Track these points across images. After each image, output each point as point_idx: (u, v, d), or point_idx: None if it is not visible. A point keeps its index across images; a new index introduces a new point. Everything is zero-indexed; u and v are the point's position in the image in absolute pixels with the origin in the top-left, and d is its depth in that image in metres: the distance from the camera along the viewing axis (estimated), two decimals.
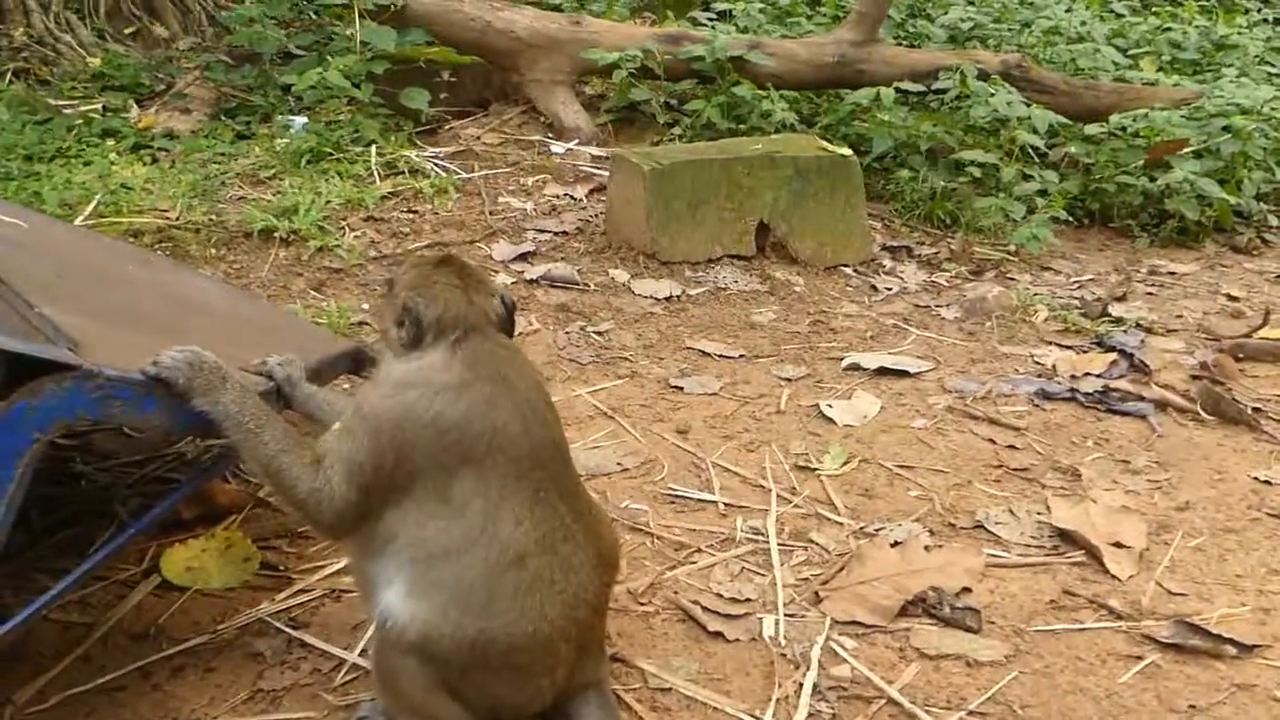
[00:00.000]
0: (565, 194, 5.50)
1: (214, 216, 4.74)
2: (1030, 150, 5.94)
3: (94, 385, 1.72)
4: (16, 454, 1.68)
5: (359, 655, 2.21)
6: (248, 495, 2.78)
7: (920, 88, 6.45)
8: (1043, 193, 5.80)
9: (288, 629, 2.30)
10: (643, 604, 2.46)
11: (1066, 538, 2.82)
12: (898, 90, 6.23)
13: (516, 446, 1.86)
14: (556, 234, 5.02)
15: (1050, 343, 4.31)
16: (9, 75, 6.40)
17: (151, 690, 2.11)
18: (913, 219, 5.75)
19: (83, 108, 6.13)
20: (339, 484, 1.83)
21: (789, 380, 3.82)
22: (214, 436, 1.92)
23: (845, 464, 3.18)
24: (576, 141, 6.22)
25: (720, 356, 4.01)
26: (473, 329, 1.95)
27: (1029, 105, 6.00)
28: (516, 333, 2.17)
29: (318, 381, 2.39)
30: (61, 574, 2.30)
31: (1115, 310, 4.66)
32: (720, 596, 2.49)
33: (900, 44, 7.55)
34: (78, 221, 4.37)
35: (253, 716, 2.05)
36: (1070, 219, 5.88)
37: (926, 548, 2.71)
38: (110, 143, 5.72)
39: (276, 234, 4.60)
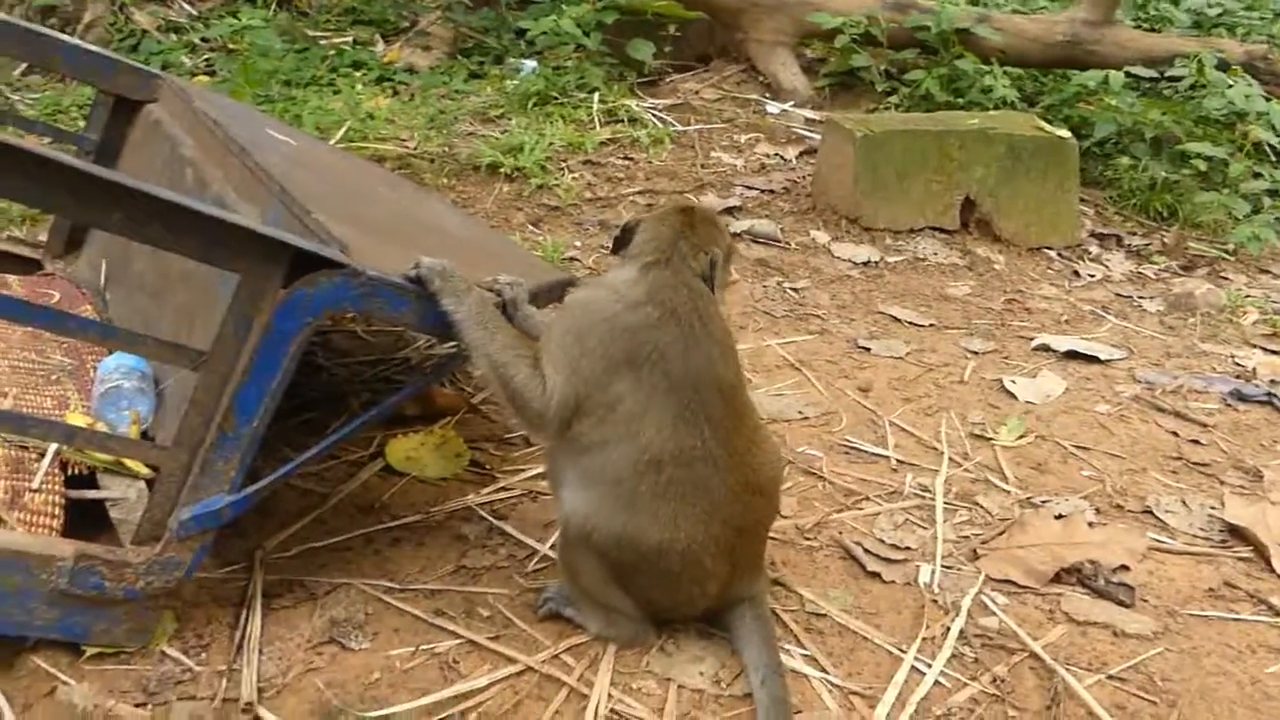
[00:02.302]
0: (776, 154, 5.66)
1: (447, 149, 5.13)
2: (1266, 147, 5.73)
3: (359, 282, 2.03)
4: (292, 333, 1.99)
5: (549, 548, 2.49)
6: (463, 400, 3.11)
7: (1153, 74, 6.29)
8: (1273, 193, 5.61)
9: (490, 518, 2.61)
10: (808, 539, 2.66)
11: (1236, 534, 2.85)
12: (1128, 74, 6.10)
13: (672, 367, 2.07)
14: (764, 191, 5.20)
15: (1255, 345, 4.25)
16: (274, 5, 6.98)
17: (373, 554, 2.45)
18: (1127, 208, 5.66)
19: (335, 39, 6.65)
20: (550, 374, 2.09)
21: (975, 353, 3.92)
22: (450, 338, 2.21)
23: (1021, 437, 3.28)
24: (792, 103, 6.36)
25: (910, 323, 4.13)
26: (667, 263, 2.18)
27: (1269, 100, 5.79)
28: None
29: (535, 304, 2.67)
30: (303, 449, 2.70)
31: None
32: (882, 542, 2.66)
33: (1139, 27, 7.33)
34: (330, 144, 4.81)
35: (456, 587, 2.36)
36: None
37: (1090, 524, 2.80)
38: (358, 74, 6.21)
39: (502, 169, 4.95)
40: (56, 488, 2.20)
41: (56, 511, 2.14)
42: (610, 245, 2.31)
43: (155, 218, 1.87)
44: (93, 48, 3.31)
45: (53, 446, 2.26)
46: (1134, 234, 5.43)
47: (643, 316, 2.11)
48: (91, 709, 1.91)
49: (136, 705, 1.93)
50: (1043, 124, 5.30)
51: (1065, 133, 5.24)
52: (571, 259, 4.26)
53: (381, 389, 3.17)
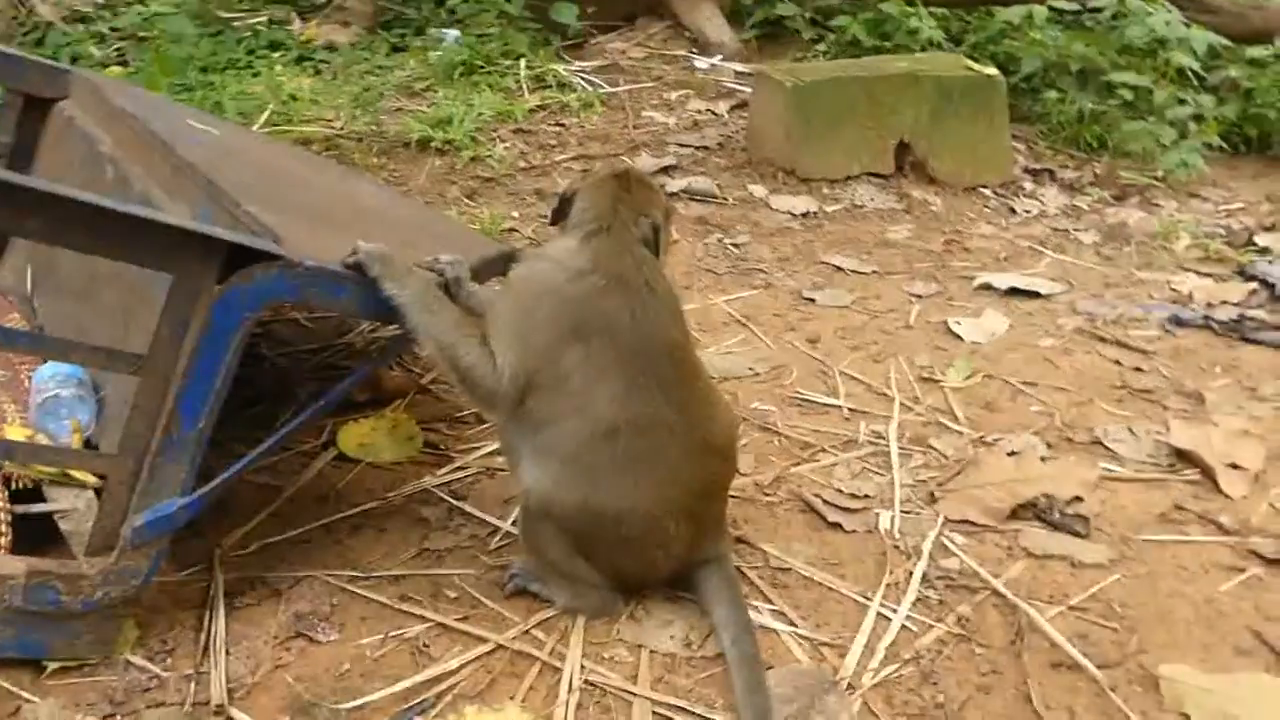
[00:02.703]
0: (707, 109, 5.66)
1: (374, 126, 5.06)
2: (1188, 73, 5.82)
3: (295, 273, 1.99)
4: (231, 330, 1.96)
5: (510, 525, 2.49)
6: (412, 382, 3.09)
7: (1075, 6, 6.34)
8: (1198, 118, 5.70)
9: (449, 499, 2.60)
10: (767, 495, 2.68)
11: (1183, 457, 2.91)
12: (1050, 9, 6.16)
13: (621, 335, 2.08)
14: (698, 148, 5.19)
15: (1190, 270, 4.33)
16: None
17: (334, 544, 2.43)
18: (1058, 141, 5.73)
19: (250, 20, 6.51)
20: (500, 352, 2.08)
21: (919, 297, 3.96)
22: (393, 322, 2.19)
23: (969, 378, 3.33)
24: (720, 57, 6.34)
25: (853, 272, 4.16)
26: (608, 230, 2.17)
27: (1189, 26, 5.87)
28: None
29: (477, 280, 2.65)
30: (254, 443, 2.67)
31: (1262, 240, 4.63)
32: (840, 492, 2.69)
33: None
34: (254, 129, 4.72)
35: (421, 570, 2.35)
36: (1225, 146, 5.77)
37: (1042, 459, 2.85)
38: (276, 55, 6.09)
39: (432, 144, 4.90)
40: (1, 504, 2.16)
41: (2, 529, 2.10)
42: (549, 215, 2.30)
43: (76, 222, 1.83)
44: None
45: None
46: (1066, 167, 5.50)
47: (588, 286, 2.11)
48: None
49: (104, 718, 1.91)
50: (970, 63, 5.33)
51: (993, 70, 5.28)
52: (510, 230, 4.23)
53: (327, 376, 3.13)
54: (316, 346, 3.29)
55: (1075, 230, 4.77)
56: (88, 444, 2.38)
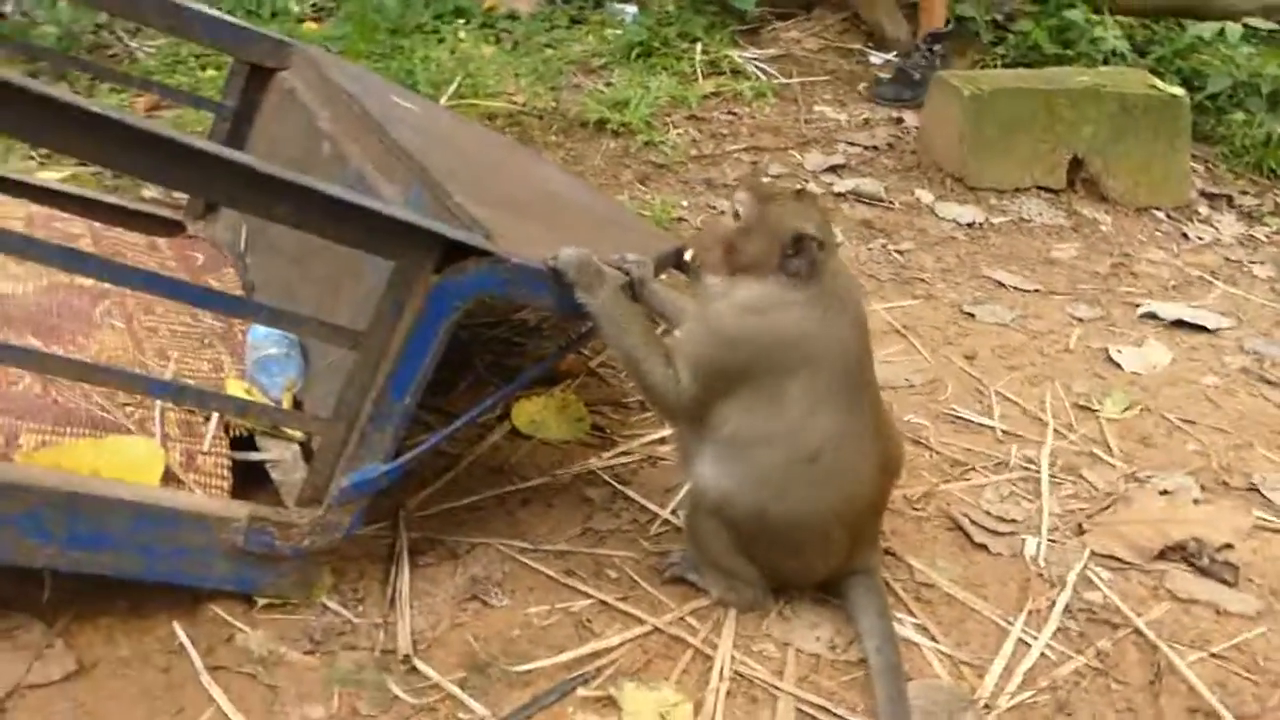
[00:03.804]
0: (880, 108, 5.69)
1: (554, 104, 5.26)
2: None
3: (504, 269, 2.18)
4: (442, 316, 2.15)
5: (670, 513, 2.66)
6: (582, 364, 3.27)
7: (1272, 25, 6.15)
8: None
9: (613, 483, 2.77)
10: (916, 510, 2.78)
11: None
12: (1246, 25, 5.99)
13: (845, 356, 2.20)
14: (867, 148, 5.25)
15: None
16: None
17: (506, 515, 2.63)
18: (1239, 166, 5.60)
19: None
20: (686, 380, 2.23)
21: (1081, 320, 3.98)
22: (584, 319, 2.36)
23: (1126, 410, 3.35)
24: (895, 53, 6.34)
25: (1015, 288, 4.19)
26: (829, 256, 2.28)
27: None
28: None
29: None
30: (435, 411, 2.89)
31: None
32: (988, 514, 2.78)
33: None
34: (442, 101, 4.97)
35: (584, 549, 2.53)
36: None
37: (1195, 501, 2.88)
38: (461, 21, 6.33)
39: (608, 125, 5.06)
40: (223, 450, 2.41)
41: (225, 473, 2.35)
42: (800, 271, 2.19)
43: (319, 210, 2.04)
44: (229, 18, 3.48)
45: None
46: (1245, 194, 5.38)
47: (818, 316, 2.20)
48: (267, 654, 2.12)
49: (306, 653, 2.14)
50: (1155, 81, 5.25)
51: (1178, 90, 5.19)
52: (679, 220, 4.38)
53: (501, 350, 3.34)
54: (492, 321, 3.50)
55: (1250, 262, 4.69)
56: (296, 401, 2.63)
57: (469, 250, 2.16)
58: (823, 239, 2.23)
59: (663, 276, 2.91)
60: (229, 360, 2.77)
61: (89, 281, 2.81)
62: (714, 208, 4.44)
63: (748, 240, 2.24)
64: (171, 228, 3.51)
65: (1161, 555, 2.67)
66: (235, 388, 2.58)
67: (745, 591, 2.37)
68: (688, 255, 2.32)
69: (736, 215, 2.29)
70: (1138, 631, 2.42)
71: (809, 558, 2.30)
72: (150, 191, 3.98)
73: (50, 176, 3.84)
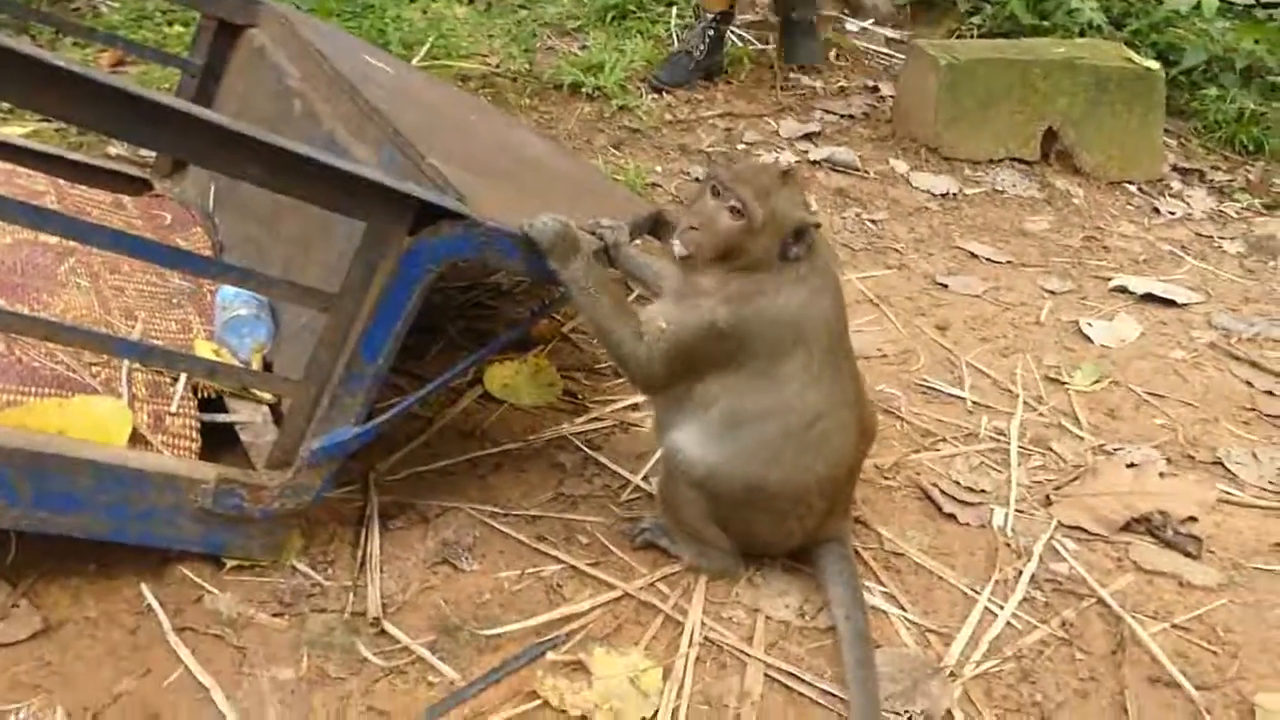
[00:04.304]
0: (856, 75, 5.68)
1: (528, 66, 5.21)
2: None
3: (478, 233, 2.17)
4: (415, 279, 2.14)
5: (642, 479, 2.67)
6: (555, 330, 3.27)
7: (1249, 0, 6.18)
8: None
9: (584, 449, 2.78)
10: (887, 479, 2.81)
11: None
12: (1222, 1, 6.01)
13: (830, 329, 2.22)
14: (843, 116, 5.25)
15: None
16: None
17: (477, 479, 2.63)
18: (1211, 140, 5.65)
19: None
20: (659, 361, 2.22)
21: (1052, 293, 4.01)
22: (555, 283, 2.35)
23: (1095, 382, 3.39)
24: (872, 21, 6.34)
25: (988, 260, 4.22)
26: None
27: None
28: None
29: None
30: (406, 375, 2.88)
31: None
32: (958, 484, 2.81)
33: None
34: (415, 62, 4.92)
35: (555, 514, 2.54)
36: None
37: (1161, 474, 2.92)
38: None
39: (583, 89, 5.03)
40: (191, 411, 2.40)
41: (193, 435, 2.34)
42: (797, 256, 2.20)
43: (290, 169, 2.01)
44: None
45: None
46: (1217, 169, 5.43)
47: (809, 295, 2.21)
48: (235, 616, 2.12)
49: (274, 615, 2.14)
50: (1131, 53, 5.27)
51: (1154, 64, 5.21)
52: (653, 185, 4.37)
53: (474, 315, 3.33)
54: (466, 284, 3.48)
55: (1220, 238, 4.74)
56: (265, 363, 2.61)
57: (442, 213, 2.15)
58: (818, 222, 2.25)
59: (637, 241, 2.91)
60: (197, 321, 2.75)
61: (54, 239, 2.78)
62: (687, 173, 4.44)
63: (754, 240, 2.19)
64: (138, 186, 3.46)
65: (1126, 527, 2.71)
66: (204, 349, 2.56)
67: (716, 558, 2.39)
68: (677, 250, 2.25)
69: (737, 213, 2.19)
70: (1102, 602, 2.46)
71: (787, 524, 2.31)
72: (116, 149, 3.93)
73: (13, 132, 3.78)
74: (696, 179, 4.35)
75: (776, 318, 2.19)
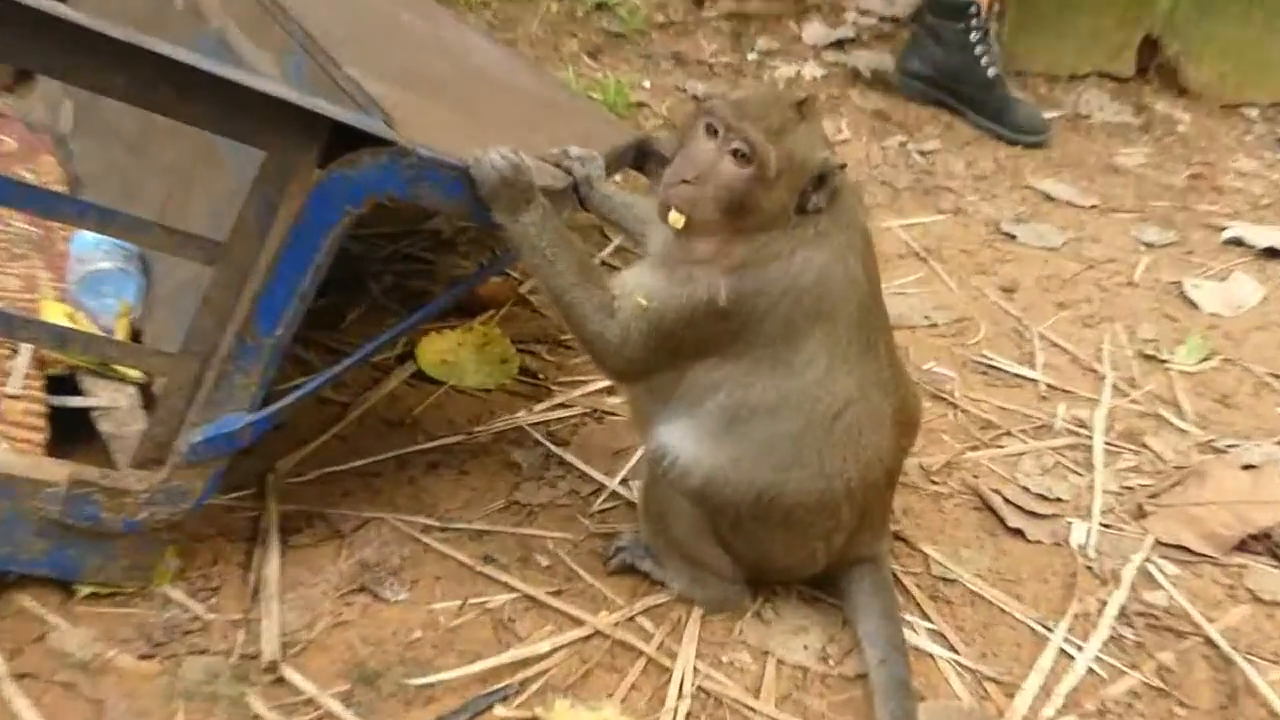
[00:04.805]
0: None
1: None
2: None
3: (408, 163, 2.13)
4: (327, 224, 2.10)
5: (618, 483, 2.64)
6: (510, 291, 3.24)
7: None
8: None
9: (546, 443, 2.75)
10: (935, 483, 2.79)
11: None
12: None
13: (861, 295, 2.18)
14: (883, 19, 5.21)
15: None
16: None
17: (407, 483, 2.60)
18: None
19: None
20: (635, 340, 2.17)
21: (1150, 245, 4.00)
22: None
23: (1203, 360, 3.38)
24: None
25: (1068, 203, 4.21)
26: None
27: None
28: None
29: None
30: (314, 344, 2.85)
31: None
32: (1026, 490, 2.79)
33: None
34: None
35: (508, 528, 2.51)
36: None
37: None
38: None
39: None
40: (36, 393, 2.36)
41: (39, 423, 2.30)
42: (819, 206, 2.14)
43: (166, 81, 1.97)
44: None
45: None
46: None
47: (832, 259, 2.17)
48: (90, 659, 2.09)
49: (141, 657, 2.11)
50: None
51: None
52: (641, 105, 4.33)
53: (404, 270, 3.30)
54: (395, 231, 3.44)
55: None
56: (133, 331, 2.57)
57: (363, 138, 2.10)
58: (843, 163, 2.19)
59: (617, 177, 2.87)
60: (46, 276, 2.71)
61: None
62: (683, 90, 4.41)
63: (766, 193, 2.11)
64: None
65: (1242, 546, 2.70)
66: (54, 312, 2.52)
67: (714, 586, 2.36)
68: (670, 218, 2.17)
69: (743, 158, 2.10)
70: (1209, 641, 2.44)
71: (810, 544, 2.28)
72: None
73: None
74: (695, 98, 4.31)
75: (791, 287, 2.15)
